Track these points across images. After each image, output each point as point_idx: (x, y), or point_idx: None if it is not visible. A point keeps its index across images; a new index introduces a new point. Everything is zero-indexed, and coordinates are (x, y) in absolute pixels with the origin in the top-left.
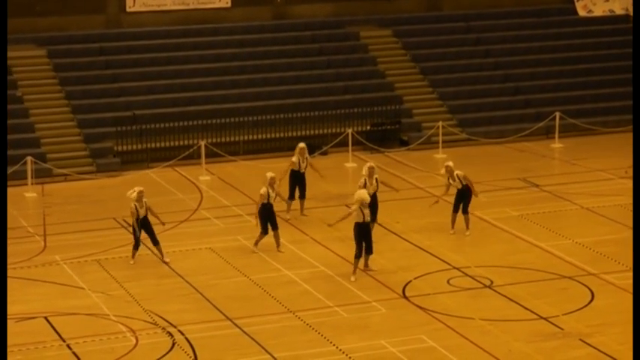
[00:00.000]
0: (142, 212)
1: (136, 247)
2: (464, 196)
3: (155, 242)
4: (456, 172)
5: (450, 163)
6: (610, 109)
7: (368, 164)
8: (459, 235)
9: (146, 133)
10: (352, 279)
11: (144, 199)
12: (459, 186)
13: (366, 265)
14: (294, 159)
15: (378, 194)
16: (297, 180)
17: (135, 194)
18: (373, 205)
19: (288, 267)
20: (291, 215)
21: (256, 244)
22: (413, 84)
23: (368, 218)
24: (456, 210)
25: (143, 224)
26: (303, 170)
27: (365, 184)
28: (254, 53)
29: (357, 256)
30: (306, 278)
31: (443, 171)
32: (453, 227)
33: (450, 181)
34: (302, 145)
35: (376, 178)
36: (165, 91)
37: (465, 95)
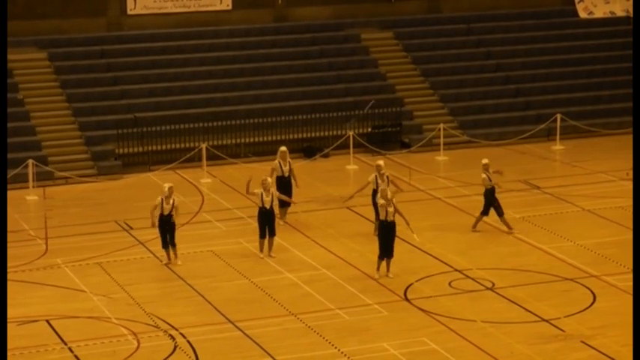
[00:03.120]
0: (166, 209)
1: (165, 246)
2: (493, 197)
3: (172, 243)
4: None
5: (486, 160)
6: (611, 111)
7: (377, 162)
8: (461, 237)
9: (147, 135)
10: (376, 276)
11: (172, 197)
12: (489, 186)
13: (387, 268)
14: (274, 164)
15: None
16: (281, 186)
17: (166, 189)
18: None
19: (289, 269)
20: (284, 221)
21: (261, 250)
22: (414, 86)
23: (391, 217)
24: (486, 212)
25: (165, 222)
26: (287, 174)
27: (376, 180)
28: (255, 56)
29: (381, 257)
30: (308, 281)
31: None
32: (475, 227)
33: (488, 174)
34: (283, 148)
35: (387, 176)
36: (166, 94)
37: (465, 97)
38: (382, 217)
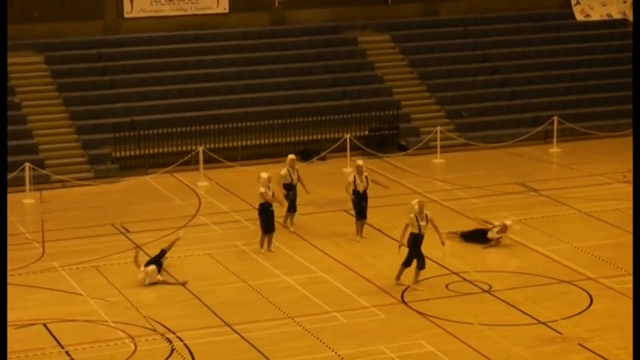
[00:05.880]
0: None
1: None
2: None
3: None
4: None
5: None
6: (608, 114)
7: (357, 162)
8: (457, 240)
9: (144, 138)
10: (396, 283)
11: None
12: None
13: (416, 279)
14: (283, 172)
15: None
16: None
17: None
18: (363, 203)
19: (286, 272)
20: (285, 225)
21: (261, 246)
22: (411, 89)
23: (424, 230)
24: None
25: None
26: (295, 182)
27: (355, 181)
28: (252, 59)
29: (405, 265)
30: (305, 283)
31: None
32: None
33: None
34: (292, 156)
35: (366, 176)
36: (163, 97)
37: (462, 100)
38: (414, 230)
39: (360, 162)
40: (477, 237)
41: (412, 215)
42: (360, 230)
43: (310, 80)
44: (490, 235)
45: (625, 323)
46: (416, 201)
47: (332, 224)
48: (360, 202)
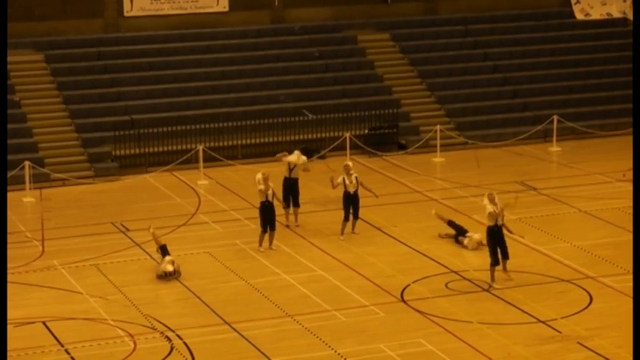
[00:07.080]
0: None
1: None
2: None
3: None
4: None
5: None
6: (608, 113)
7: (345, 162)
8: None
9: (144, 137)
10: (496, 286)
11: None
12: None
13: (504, 269)
14: (302, 160)
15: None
16: (289, 187)
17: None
18: (355, 202)
19: (286, 271)
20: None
21: (260, 244)
22: (411, 87)
23: (500, 221)
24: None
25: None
26: (295, 176)
27: (344, 181)
28: (252, 57)
29: (494, 264)
30: (304, 282)
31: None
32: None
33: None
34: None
35: (356, 177)
36: (163, 96)
37: (462, 99)
38: (491, 223)
39: (348, 162)
40: (457, 231)
41: (492, 210)
42: (352, 227)
43: (310, 79)
44: (466, 242)
45: (624, 322)
46: (492, 192)
47: (332, 223)
48: (348, 204)
